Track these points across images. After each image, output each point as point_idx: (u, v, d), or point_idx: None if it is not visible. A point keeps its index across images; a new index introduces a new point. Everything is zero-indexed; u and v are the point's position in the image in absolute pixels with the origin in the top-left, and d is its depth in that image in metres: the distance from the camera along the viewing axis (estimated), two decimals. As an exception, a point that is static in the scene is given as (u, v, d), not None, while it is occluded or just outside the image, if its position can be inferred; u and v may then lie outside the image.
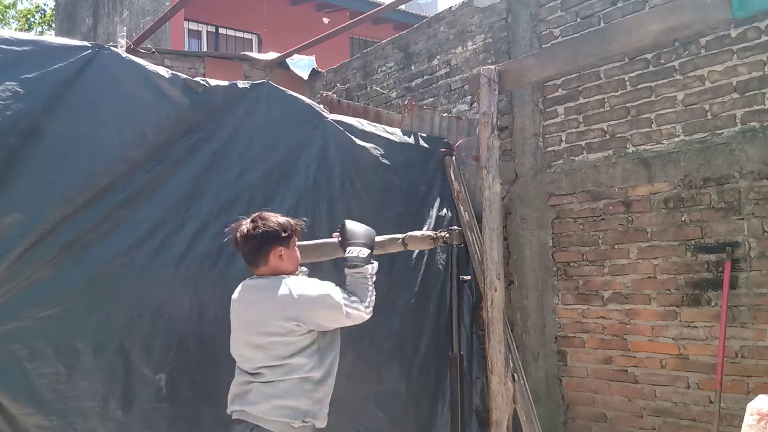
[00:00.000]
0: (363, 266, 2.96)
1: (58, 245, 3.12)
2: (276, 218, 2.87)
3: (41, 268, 3.07)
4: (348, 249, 3.03)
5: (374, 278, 2.96)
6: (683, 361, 4.10)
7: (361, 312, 2.82)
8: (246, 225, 2.85)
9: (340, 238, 3.15)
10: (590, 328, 4.56)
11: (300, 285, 2.79)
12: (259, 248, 2.81)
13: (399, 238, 3.61)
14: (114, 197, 3.31)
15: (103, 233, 3.27)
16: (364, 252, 3.00)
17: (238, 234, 2.85)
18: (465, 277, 4.25)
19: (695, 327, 4.05)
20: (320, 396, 2.79)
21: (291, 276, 2.85)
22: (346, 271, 2.99)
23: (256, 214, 2.92)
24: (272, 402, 2.69)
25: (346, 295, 2.83)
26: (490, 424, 4.22)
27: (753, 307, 3.81)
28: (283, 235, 2.82)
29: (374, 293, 2.93)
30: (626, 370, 4.37)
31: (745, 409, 2.79)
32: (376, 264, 3.01)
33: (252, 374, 2.78)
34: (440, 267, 4.82)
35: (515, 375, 4.27)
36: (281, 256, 2.83)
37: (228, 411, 2.86)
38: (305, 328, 2.72)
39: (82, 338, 3.17)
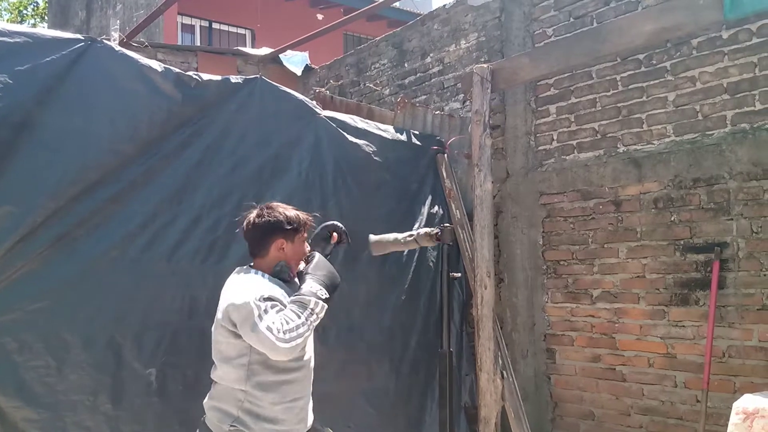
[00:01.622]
0: (310, 298, 2.50)
1: (48, 238, 3.11)
2: (284, 209, 2.71)
3: (31, 261, 3.06)
4: (308, 280, 2.58)
5: (314, 318, 2.46)
6: (671, 360, 4.13)
7: (270, 336, 2.31)
8: (253, 212, 2.72)
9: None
10: (579, 327, 4.59)
11: (238, 285, 2.53)
12: (261, 238, 2.66)
13: (413, 235, 3.50)
14: (105, 191, 3.31)
15: (95, 227, 3.27)
16: (323, 294, 2.54)
17: (246, 222, 2.72)
18: (455, 274, 4.24)
19: (683, 326, 4.08)
20: (252, 408, 2.50)
21: (253, 271, 2.62)
22: (291, 299, 2.54)
23: (269, 202, 2.79)
24: (210, 402, 2.60)
25: (272, 314, 2.38)
26: (478, 421, 4.24)
27: (741, 307, 3.84)
28: (287, 227, 2.66)
29: (304, 330, 2.39)
30: (614, 369, 4.40)
31: (731, 408, 2.83)
32: (324, 307, 2.52)
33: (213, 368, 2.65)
34: (431, 264, 4.83)
35: (504, 372, 4.29)
36: (283, 249, 2.66)
37: None
38: (234, 333, 2.44)
39: (72, 332, 3.16)
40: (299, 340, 2.36)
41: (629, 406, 4.32)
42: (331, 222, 2.98)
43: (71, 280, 3.17)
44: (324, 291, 2.54)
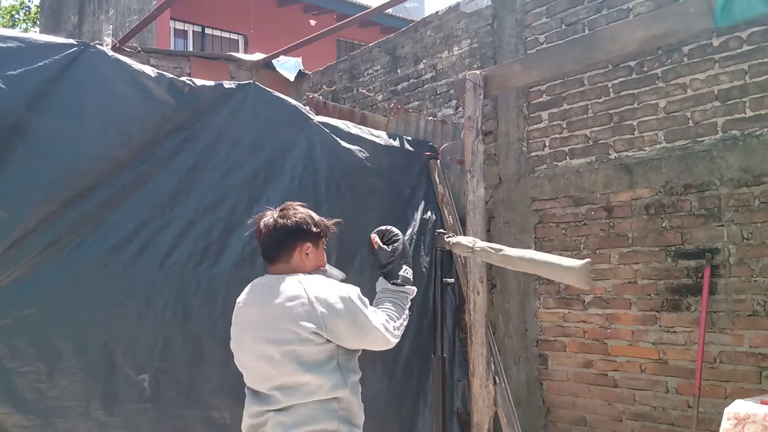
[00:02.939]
0: (408, 287, 2.58)
1: (40, 244, 3.09)
2: (307, 210, 2.51)
3: (23, 267, 3.04)
4: (403, 267, 2.60)
5: (409, 305, 2.57)
6: (662, 366, 4.15)
7: (387, 333, 2.36)
8: (273, 214, 2.47)
9: (382, 245, 2.66)
10: (571, 332, 4.60)
11: (319, 286, 2.33)
12: (284, 241, 2.41)
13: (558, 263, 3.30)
14: (98, 196, 3.29)
15: (87, 232, 3.25)
16: (410, 273, 2.60)
17: (262, 223, 2.45)
18: (448, 280, 4.26)
19: (675, 332, 4.10)
20: (347, 416, 2.35)
21: (306, 274, 2.40)
22: (388, 286, 2.57)
23: (286, 203, 2.58)
24: (294, 430, 2.23)
25: (374, 309, 2.41)
26: (471, 427, 4.24)
27: (732, 312, 3.86)
28: (315, 230, 2.45)
29: (406, 322, 2.51)
30: (606, 374, 4.41)
31: (722, 414, 2.84)
32: (415, 289, 2.63)
33: (265, 398, 2.32)
34: (423, 270, 4.83)
35: (497, 378, 4.30)
36: (308, 254, 2.44)
37: None
38: (322, 338, 2.26)
39: (64, 337, 3.14)
40: (403, 330, 2.47)
41: (621, 412, 4.33)
42: (381, 228, 2.75)
43: (63, 285, 3.15)
44: (410, 270, 2.62)
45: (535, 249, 4.82)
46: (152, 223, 3.47)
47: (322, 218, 2.56)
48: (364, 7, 12.65)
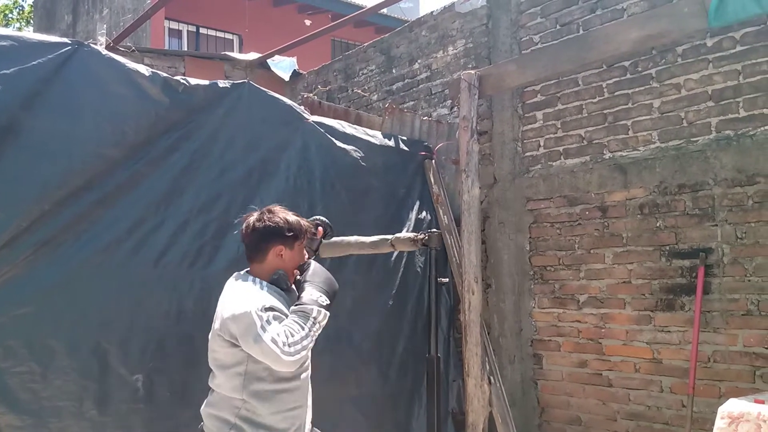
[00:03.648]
0: (312, 307, 2.50)
1: (34, 243, 3.09)
2: (285, 215, 2.64)
3: (16, 266, 3.03)
4: (308, 288, 2.59)
5: (317, 328, 2.47)
6: (657, 366, 4.15)
7: (277, 349, 2.29)
8: (254, 216, 2.65)
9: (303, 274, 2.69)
10: (566, 332, 4.60)
11: (237, 294, 2.48)
12: (259, 243, 2.59)
13: (388, 239, 3.58)
14: (92, 195, 3.29)
15: (81, 231, 3.25)
16: (323, 300, 2.55)
17: (245, 224, 2.65)
18: (443, 279, 4.26)
19: (669, 332, 4.11)
20: (249, 416, 2.46)
21: (251, 279, 2.57)
22: (293, 308, 2.52)
23: (267, 206, 2.72)
24: (205, 409, 2.57)
25: (274, 325, 2.36)
26: (466, 427, 4.24)
27: (725, 312, 3.87)
28: (288, 234, 2.59)
29: (308, 342, 2.40)
30: (601, 374, 4.42)
31: (716, 413, 2.85)
32: (327, 316, 2.54)
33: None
34: (418, 269, 4.84)
35: (491, 378, 4.30)
36: (281, 255, 2.59)
37: None
38: (229, 342, 2.42)
39: (58, 337, 3.13)
40: (304, 352, 2.36)
41: (616, 411, 4.34)
42: (316, 217, 2.98)
43: (57, 285, 3.15)
44: (324, 298, 2.53)
45: (530, 249, 4.83)
46: (146, 223, 3.47)
47: (300, 219, 2.68)
48: (359, 7, 12.65)
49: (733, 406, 2.83)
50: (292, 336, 2.34)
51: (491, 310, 4.99)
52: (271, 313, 2.38)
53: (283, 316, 2.43)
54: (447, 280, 4.68)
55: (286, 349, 2.30)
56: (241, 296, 2.46)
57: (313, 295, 2.51)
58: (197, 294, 3.55)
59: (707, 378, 3.91)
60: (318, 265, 2.69)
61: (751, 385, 3.73)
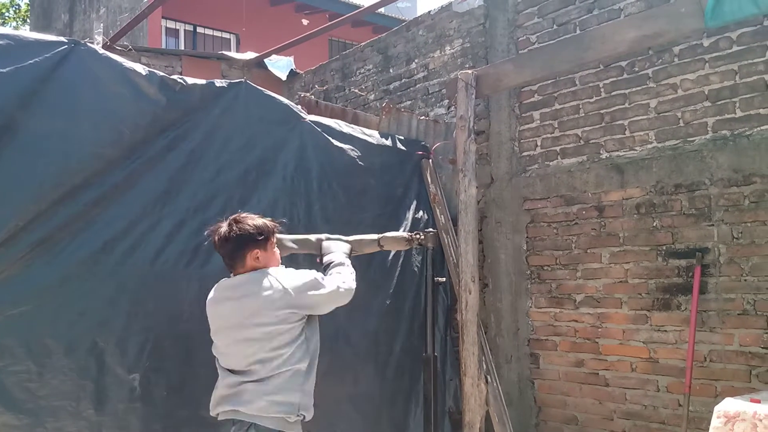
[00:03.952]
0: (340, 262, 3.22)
1: (30, 242, 3.08)
2: (252, 220, 2.87)
3: (13, 265, 3.03)
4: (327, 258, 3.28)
5: (351, 269, 3.19)
6: (653, 365, 4.16)
7: (342, 288, 2.95)
8: (223, 228, 2.86)
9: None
10: (562, 331, 4.61)
11: (286, 275, 2.84)
12: (235, 251, 2.83)
13: (375, 239, 3.65)
14: (88, 195, 3.28)
15: (77, 231, 3.24)
16: (341, 257, 3.28)
17: (216, 236, 2.87)
18: (440, 279, 4.27)
19: (665, 331, 4.12)
20: (308, 388, 2.83)
21: (272, 268, 2.88)
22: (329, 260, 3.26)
23: (233, 216, 2.92)
24: (267, 398, 2.70)
25: (330, 278, 3.00)
26: (462, 426, 4.25)
27: (722, 312, 3.88)
28: (259, 238, 2.83)
29: (353, 274, 3.13)
30: (597, 373, 4.43)
31: (712, 412, 2.85)
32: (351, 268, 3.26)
33: (242, 373, 2.77)
34: (415, 269, 4.84)
35: (488, 377, 4.30)
36: (258, 258, 2.84)
37: (213, 413, 2.86)
38: (299, 315, 2.79)
39: (54, 336, 3.13)
40: (353, 278, 3.08)
41: (612, 411, 4.35)
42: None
43: (53, 284, 3.14)
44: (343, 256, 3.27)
45: (527, 248, 4.84)
46: (143, 222, 3.46)
47: (265, 221, 2.94)
48: (357, 7, 12.66)
49: (729, 405, 2.84)
50: (351, 275, 3.10)
51: (488, 309, 5.00)
52: (321, 275, 2.96)
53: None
54: (444, 279, 4.69)
55: (351, 284, 3.03)
56: (294, 276, 2.85)
57: (344, 248, 3.34)
58: (194, 293, 3.54)
59: (703, 377, 3.93)
60: (328, 242, 3.37)
61: (747, 385, 3.74)
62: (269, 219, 2.99)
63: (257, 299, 2.76)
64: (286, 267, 3.06)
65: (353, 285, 3.03)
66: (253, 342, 2.75)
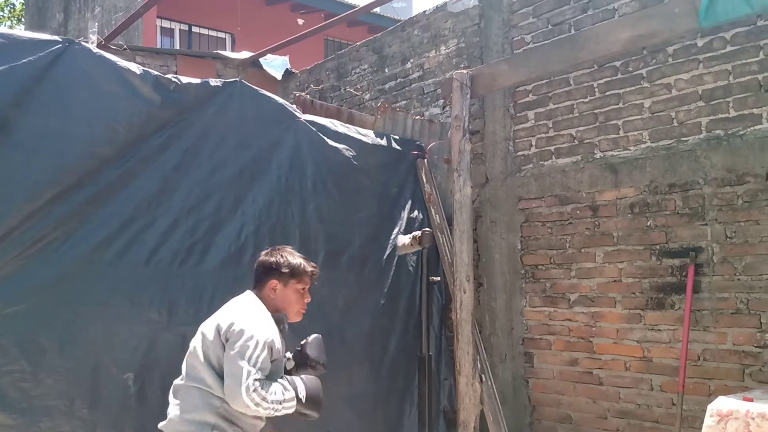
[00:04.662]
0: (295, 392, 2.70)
1: (25, 241, 3.08)
2: (289, 255, 2.87)
3: (7, 264, 3.03)
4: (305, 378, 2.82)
5: (283, 410, 2.63)
6: (647, 364, 4.17)
7: (242, 385, 2.47)
8: (265, 251, 2.93)
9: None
10: (557, 331, 4.62)
11: (250, 312, 2.69)
12: (260, 275, 2.85)
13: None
14: (83, 194, 3.28)
15: (72, 230, 3.24)
16: (303, 395, 2.73)
17: (258, 258, 2.94)
18: (435, 278, 4.28)
19: (659, 330, 4.13)
20: (225, 413, 2.59)
21: (256, 303, 2.77)
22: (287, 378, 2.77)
23: (281, 246, 2.97)
24: (182, 416, 2.63)
25: (259, 369, 2.56)
26: (457, 425, 4.26)
27: (715, 311, 3.89)
28: (285, 271, 2.81)
29: (271, 408, 2.57)
30: (591, 372, 4.44)
31: (706, 411, 2.86)
32: (293, 408, 2.69)
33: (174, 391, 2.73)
34: (410, 268, 4.85)
35: (483, 376, 4.31)
36: (274, 289, 2.82)
37: None
38: (220, 342, 2.61)
39: (49, 336, 3.13)
40: (260, 410, 2.52)
41: (606, 410, 4.36)
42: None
43: (48, 283, 3.15)
44: (304, 394, 2.71)
45: (522, 248, 4.84)
46: (137, 221, 3.47)
47: (304, 263, 2.88)
48: (352, 7, 12.65)
49: (722, 404, 2.85)
50: (264, 389, 2.52)
51: (483, 308, 5.00)
52: (265, 353, 2.57)
53: (275, 358, 2.65)
54: (439, 278, 4.70)
55: (252, 389, 2.48)
56: (254, 316, 2.67)
57: (303, 388, 2.72)
58: (188, 292, 3.55)
59: (697, 376, 3.94)
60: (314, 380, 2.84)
61: (740, 383, 3.75)
62: (312, 265, 2.92)
63: (228, 313, 2.69)
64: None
65: (257, 402, 2.50)
66: (200, 344, 2.69)
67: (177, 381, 2.73)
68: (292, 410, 2.67)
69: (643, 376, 4.18)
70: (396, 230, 4.76)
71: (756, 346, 3.75)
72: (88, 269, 3.26)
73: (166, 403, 3.38)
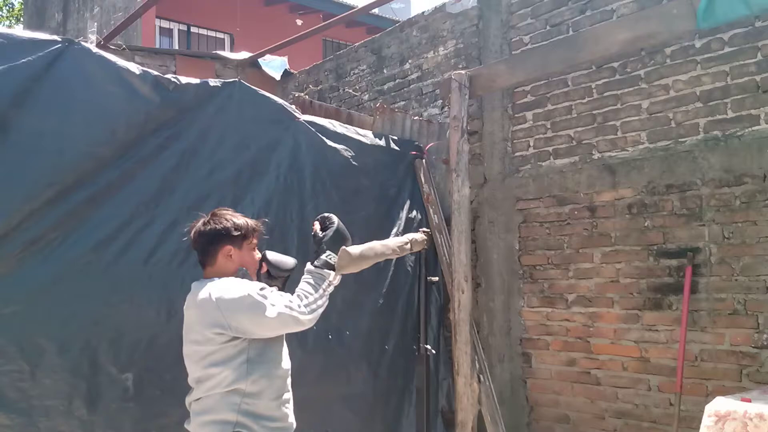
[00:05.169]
0: (326, 270, 2.68)
1: (23, 241, 3.07)
2: (231, 216, 2.69)
3: (5, 264, 3.02)
4: (327, 252, 2.73)
5: (330, 288, 2.66)
6: (644, 364, 4.18)
7: (294, 312, 2.46)
8: (200, 222, 2.70)
9: (321, 234, 2.83)
10: (554, 331, 4.63)
11: (223, 287, 2.52)
12: (207, 246, 2.65)
13: (407, 241, 3.51)
14: (81, 194, 3.27)
15: (70, 230, 3.23)
16: (333, 258, 2.72)
17: (193, 232, 2.70)
18: (433, 278, 4.28)
19: (656, 330, 4.14)
20: (251, 409, 2.50)
21: (223, 278, 2.61)
22: (308, 266, 2.71)
23: (215, 210, 2.77)
24: (200, 418, 2.52)
25: (280, 294, 2.53)
26: (455, 425, 4.26)
27: (713, 311, 3.90)
28: (234, 233, 2.64)
29: (322, 302, 2.60)
30: (589, 373, 4.45)
31: (703, 411, 2.87)
32: (339, 278, 2.72)
33: (191, 390, 2.63)
34: (408, 268, 4.85)
35: (481, 376, 4.32)
36: (230, 256, 2.65)
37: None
38: (228, 336, 2.47)
39: (47, 336, 3.12)
40: (319, 310, 2.56)
41: (604, 410, 4.37)
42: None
43: (46, 283, 3.13)
44: (333, 261, 2.68)
45: (520, 248, 4.85)
46: (136, 222, 3.46)
47: (248, 220, 2.73)
48: (351, 7, 12.66)
49: (720, 404, 2.86)
50: (306, 298, 2.51)
51: (481, 308, 5.01)
52: (267, 290, 2.51)
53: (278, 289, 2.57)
54: (437, 279, 4.71)
55: (303, 309, 2.48)
56: (227, 289, 2.50)
57: (330, 258, 2.68)
58: (187, 293, 3.53)
59: (694, 377, 3.95)
60: (341, 225, 2.79)
61: (738, 384, 3.77)
62: (254, 221, 2.78)
63: (194, 312, 2.56)
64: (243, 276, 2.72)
65: (310, 315, 2.53)
66: (190, 358, 2.59)
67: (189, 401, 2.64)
68: (338, 280, 2.70)
69: (641, 377, 4.20)
70: (394, 230, 4.77)
71: (753, 347, 3.76)
72: (87, 269, 3.25)
73: (166, 404, 3.41)
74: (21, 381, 3.04)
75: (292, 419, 2.67)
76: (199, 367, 2.53)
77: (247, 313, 2.44)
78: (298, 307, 2.49)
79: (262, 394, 2.52)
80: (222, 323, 2.45)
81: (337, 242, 2.77)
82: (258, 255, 2.79)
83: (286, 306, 2.46)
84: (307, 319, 2.51)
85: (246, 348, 2.50)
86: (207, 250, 2.66)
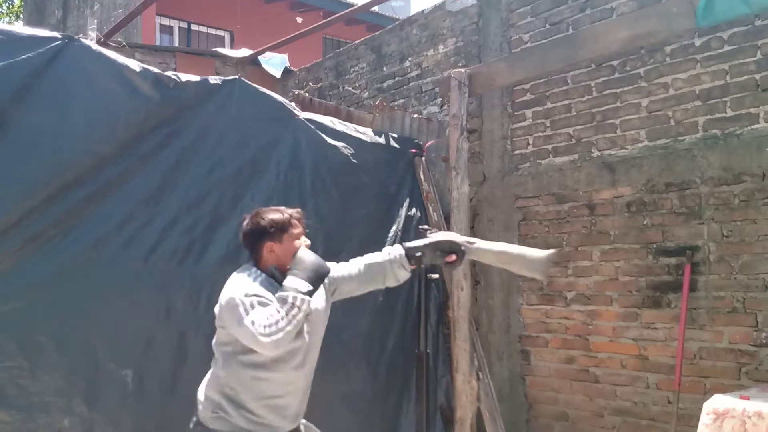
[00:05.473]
0: (289, 293, 2.52)
1: (23, 238, 3.08)
2: (267, 213, 2.75)
3: (5, 261, 3.03)
4: (293, 277, 2.61)
5: (295, 312, 2.46)
6: (643, 362, 4.19)
7: (252, 329, 2.40)
8: (244, 221, 2.80)
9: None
10: (553, 328, 4.64)
11: (231, 281, 2.66)
12: (252, 244, 2.76)
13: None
14: (81, 191, 3.28)
15: (70, 227, 3.24)
16: (304, 287, 2.55)
17: (240, 232, 2.83)
18: (433, 276, 4.27)
19: (655, 328, 4.14)
20: (232, 395, 2.59)
21: (248, 271, 2.69)
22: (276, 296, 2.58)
23: (254, 210, 2.82)
24: (200, 388, 2.75)
25: (257, 309, 2.47)
26: (454, 422, 4.27)
27: (711, 309, 3.91)
28: (271, 230, 2.70)
29: (284, 325, 2.41)
30: (588, 370, 4.45)
31: (702, 409, 2.88)
32: (307, 299, 2.51)
33: None
34: (408, 267, 4.84)
35: (480, 374, 4.33)
36: (273, 251, 2.72)
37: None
38: (221, 325, 2.65)
39: (46, 333, 3.13)
40: (281, 335, 2.41)
41: (602, 407, 4.37)
42: (452, 240, 3.02)
43: (46, 280, 3.14)
44: (305, 284, 2.56)
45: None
46: (136, 219, 3.47)
47: (284, 214, 2.76)
48: (351, 5, 12.65)
49: (718, 402, 2.87)
50: (269, 319, 2.43)
51: (480, 306, 5.02)
52: (255, 299, 2.51)
53: (269, 302, 2.52)
54: (437, 276, 4.69)
55: (262, 330, 2.39)
56: (233, 285, 2.63)
57: (292, 282, 2.57)
58: (187, 290, 3.56)
59: (693, 374, 3.95)
60: (304, 251, 2.74)
61: (737, 382, 3.77)
62: (290, 211, 2.80)
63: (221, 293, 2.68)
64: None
65: (268, 336, 2.39)
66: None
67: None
68: (306, 304, 2.50)
69: (640, 374, 4.20)
70: (394, 228, 4.77)
71: (752, 345, 3.76)
72: (87, 267, 3.26)
73: (165, 401, 3.42)
74: (20, 378, 3.05)
75: (286, 419, 2.70)
76: (213, 341, 2.73)
77: (227, 313, 2.54)
78: (260, 326, 2.40)
79: (241, 392, 2.60)
80: (218, 313, 2.63)
81: (299, 263, 2.66)
82: (305, 243, 2.78)
83: (251, 322, 2.42)
84: (265, 342, 2.38)
85: (234, 341, 2.57)
86: (252, 249, 2.78)
